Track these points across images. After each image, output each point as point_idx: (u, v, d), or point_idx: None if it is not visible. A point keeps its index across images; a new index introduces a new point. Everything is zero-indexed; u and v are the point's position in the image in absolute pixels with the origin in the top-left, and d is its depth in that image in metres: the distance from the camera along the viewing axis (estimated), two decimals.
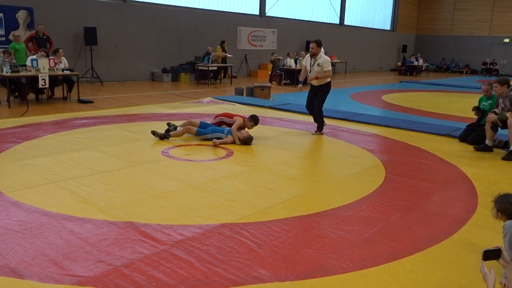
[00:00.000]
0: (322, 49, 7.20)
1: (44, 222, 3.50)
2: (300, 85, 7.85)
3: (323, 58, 7.01)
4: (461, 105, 12.08)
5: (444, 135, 7.37)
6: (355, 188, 4.62)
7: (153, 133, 6.43)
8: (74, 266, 2.83)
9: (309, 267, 2.94)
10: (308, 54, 7.20)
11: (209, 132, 6.43)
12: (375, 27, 27.77)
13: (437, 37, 30.11)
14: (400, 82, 19.64)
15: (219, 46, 16.16)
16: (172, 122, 6.85)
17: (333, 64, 22.55)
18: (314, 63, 6.99)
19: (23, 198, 3.96)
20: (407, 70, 24.93)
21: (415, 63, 24.92)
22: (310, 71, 7.06)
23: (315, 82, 7.09)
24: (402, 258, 3.13)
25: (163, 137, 6.39)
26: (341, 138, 7.12)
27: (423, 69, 25.28)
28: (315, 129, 7.35)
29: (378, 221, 3.77)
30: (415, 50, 29.90)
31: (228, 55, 16.10)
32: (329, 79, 7.12)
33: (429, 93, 15.40)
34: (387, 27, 29.12)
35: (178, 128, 6.61)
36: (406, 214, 3.97)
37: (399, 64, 26.90)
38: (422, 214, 4.00)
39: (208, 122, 6.86)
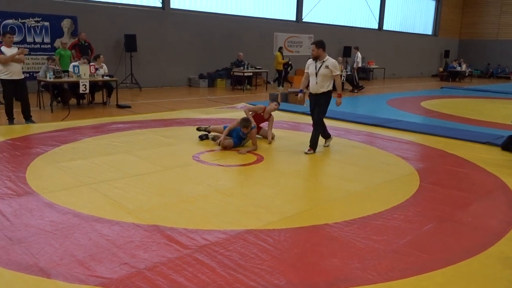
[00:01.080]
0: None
1: (75, 223, 3.60)
2: (300, 94, 6.88)
3: (331, 60, 6.18)
4: (506, 112, 11.52)
5: (484, 143, 7.04)
6: (386, 197, 4.48)
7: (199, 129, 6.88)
8: (99, 267, 2.89)
9: (333, 277, 2.87)
10: (310, 59, 6.35)
11: (236, 141, 6.42)
12: (416, 32, 27.05)
13: (481, 42, 28.96)
14: (442, 88, 19.01)
15: (278, 53, 16.35)
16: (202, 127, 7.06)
17: (370, 70, 22.39)
18: (321, 66, 6.11)
19: (57, 199, 4.10)
20: (449, 75, 24.10)
21: (458, 68, 24.06)
22: (316, 74, 6.16)
23: (318, 90, 6.22)
24: (432, 271, 2.99)
25: (203, 136, 6.73)
26: (375, 145, 6.95)
27: (466, 74, 24.38)
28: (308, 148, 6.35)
29: (409, 232, 3.63)
30: (458, 55, 28.87)
31: (285, 60, 16.36)
32: (330, 87, 6.24)
33: (472, 99, 14.81)
34: (429, 31, 28.31)
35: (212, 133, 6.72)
36: (439, 225, 3.81)
37: (441, 69, 26.07)
38: (457, 225, 3.82)
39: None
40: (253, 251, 3.18)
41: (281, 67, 16.14)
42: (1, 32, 10.75)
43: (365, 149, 6.70)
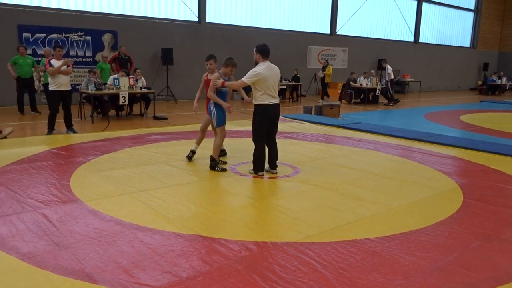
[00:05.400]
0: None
1: (117, 230, 3.67)
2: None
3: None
4: None
5: None
6: (428, 212, 4.36)
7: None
8: (142, 275, 2.93)
9: None
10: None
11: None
12: (453, 44, 26.48)
13: None
14: (481, 102, 18.47)
15: (329, 66, 16.64)
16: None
17: (406, 83, 22.00)
18: None
19: (100, 207, 4.20)
20: (488, 89, 23.41)
21: (498, 81, 23.34)
22: None
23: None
24: None
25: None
26: (414, 159, 6.79)
27: (507, 88, 23.59)
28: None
29: (455, 249, 3.51)
30: (497, 68, 28.02)
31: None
32: (258, 101, 6.04)
33: None
34: (467, 44, 27.65)
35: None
36: (486, 243, 3.66)
37: (480, 83, 25.35)
38: (505, 243, 3.66)
39: None
40: (294, 263, 3.15)
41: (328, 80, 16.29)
42: (45, 46, 11.24)
43: (405, 163, 6.56)
